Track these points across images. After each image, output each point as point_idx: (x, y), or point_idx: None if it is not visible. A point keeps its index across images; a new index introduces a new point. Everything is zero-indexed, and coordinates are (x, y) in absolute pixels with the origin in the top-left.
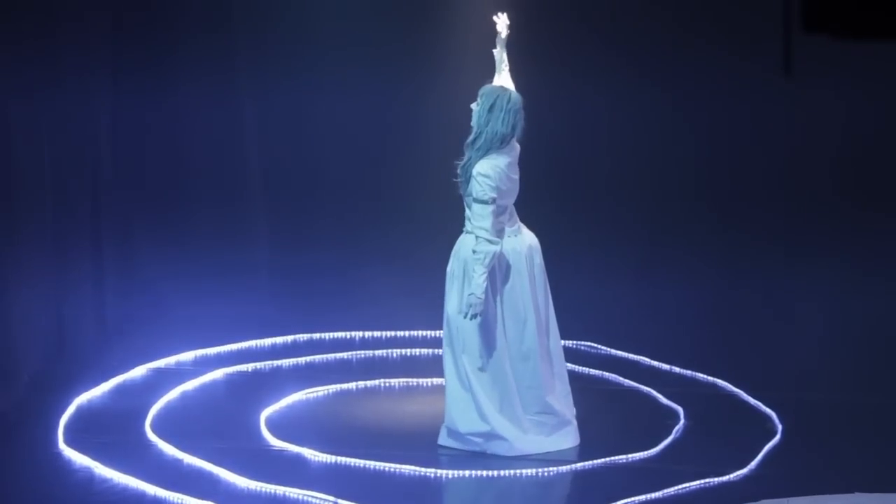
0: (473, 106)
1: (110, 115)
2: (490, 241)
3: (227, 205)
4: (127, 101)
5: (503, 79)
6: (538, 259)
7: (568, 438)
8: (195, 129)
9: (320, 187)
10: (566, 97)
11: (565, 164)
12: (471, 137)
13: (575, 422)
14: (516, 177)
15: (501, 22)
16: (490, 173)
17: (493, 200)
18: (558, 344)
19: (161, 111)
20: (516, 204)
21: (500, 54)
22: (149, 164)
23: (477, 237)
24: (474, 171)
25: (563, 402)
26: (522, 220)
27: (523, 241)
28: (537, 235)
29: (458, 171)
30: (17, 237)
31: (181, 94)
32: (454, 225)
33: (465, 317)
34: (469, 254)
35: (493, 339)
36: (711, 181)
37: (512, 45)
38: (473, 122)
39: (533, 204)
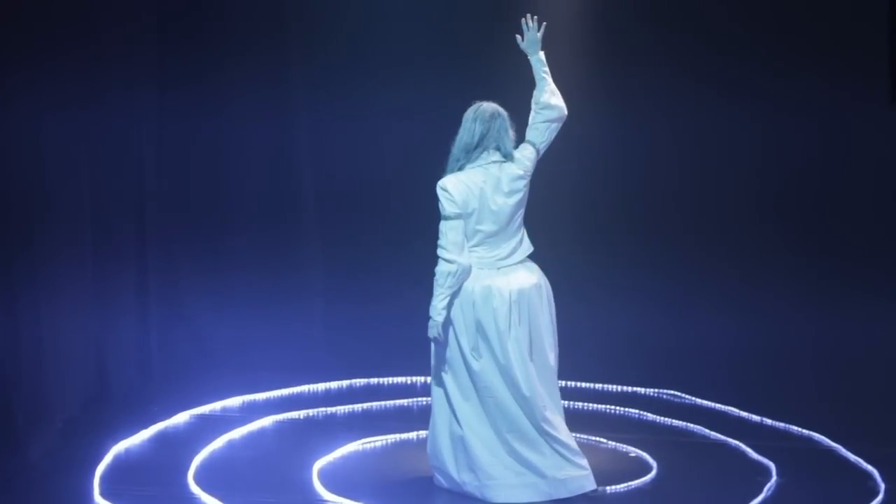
0: None
1: (155, 142)
2: (446, 261)
3: (278, 238)
4: (172, 119)
5: (548, 89)
6: (502, 309)
7: (534, 491)
8: (243, 159)
9: (379, 219)
10: (654, 127)
11: (647, 204)
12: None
13: (553, 476)
14: (497, 206)
15: (529, 24)
16: (448, 186)
17: (456, 216)
18: (547, 396)
19: (208, 132)
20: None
21: (535, 62)
22: (194, 201)
23: (437, 256)
24: (437, 186)
25: (543, 457)
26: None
27: (493, 282)
28: (618, 276)
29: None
30: (55, 269)
31: (229, 113)
32: None
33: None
34: None
35: (446, 371)
36: (807, 215)
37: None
38: None
39: (615, 243)
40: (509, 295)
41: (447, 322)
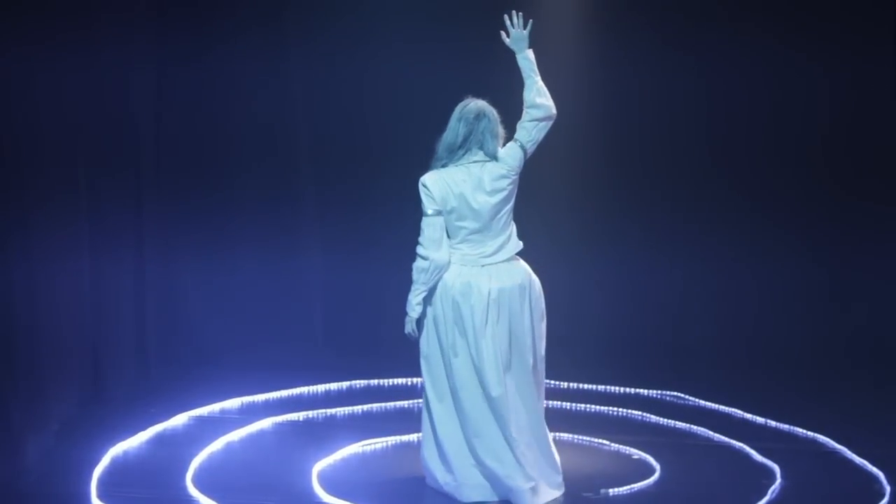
0: None
1: (152, 132)
2: (421, 257)
3: (277, 233)
4: (168, 107)
5: (536, 88)
6: (480, 306)
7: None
8: (242, 150)
9: (378, 217)
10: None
11: (650, 203)
12: None
13: (534, 484)
14: (478, 204)
15: (514, 21)
16: (428, 183)
17: (435, 213)
18: (528, 402)
19: (205, 125)
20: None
21: (521, 60)
22: (193, 194)
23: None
24: (419, 183)
25: (514, 462)
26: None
27: (474, 279)
28: (622, 271)
29: None
30: (50, 267)
31: (226, 93)
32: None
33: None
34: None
35: (428, 371)
36: (822, 214)
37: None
38: None
39: (615, 241)
40: (488, 293)
41: (431, 319)
